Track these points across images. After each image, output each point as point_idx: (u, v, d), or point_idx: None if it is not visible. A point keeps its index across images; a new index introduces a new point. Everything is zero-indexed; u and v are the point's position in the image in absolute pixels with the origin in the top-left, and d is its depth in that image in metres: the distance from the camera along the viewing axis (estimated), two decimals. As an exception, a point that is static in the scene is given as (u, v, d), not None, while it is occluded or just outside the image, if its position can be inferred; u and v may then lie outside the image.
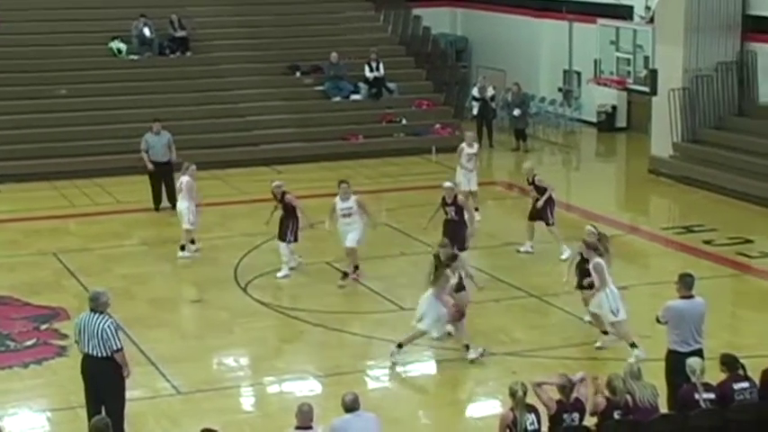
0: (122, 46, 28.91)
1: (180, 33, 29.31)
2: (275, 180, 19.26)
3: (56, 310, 16.68)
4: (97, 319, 11.98)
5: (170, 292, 17.92)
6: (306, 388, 14.29)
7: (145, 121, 25.73)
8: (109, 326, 11.98)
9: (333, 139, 27.82)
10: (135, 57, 28.90)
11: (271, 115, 28.31)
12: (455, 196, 18.07)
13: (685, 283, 12.59)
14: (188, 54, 29.40)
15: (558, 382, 10.93)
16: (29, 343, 15.57)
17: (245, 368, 15.26)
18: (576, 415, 10.88)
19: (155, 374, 14.52)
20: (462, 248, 16.90)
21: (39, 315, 16.61)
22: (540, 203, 19.11)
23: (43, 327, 16.11)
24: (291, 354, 15.46)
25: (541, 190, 19.22)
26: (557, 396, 10.94)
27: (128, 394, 13.85)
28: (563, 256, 18.57)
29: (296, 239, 18.19)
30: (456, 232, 17.42)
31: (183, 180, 19.38)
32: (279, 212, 18.24)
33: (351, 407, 10.66)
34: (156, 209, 22.35)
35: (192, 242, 19.59)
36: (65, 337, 15.50)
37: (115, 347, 11.99)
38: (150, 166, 22.28)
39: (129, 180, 24.11)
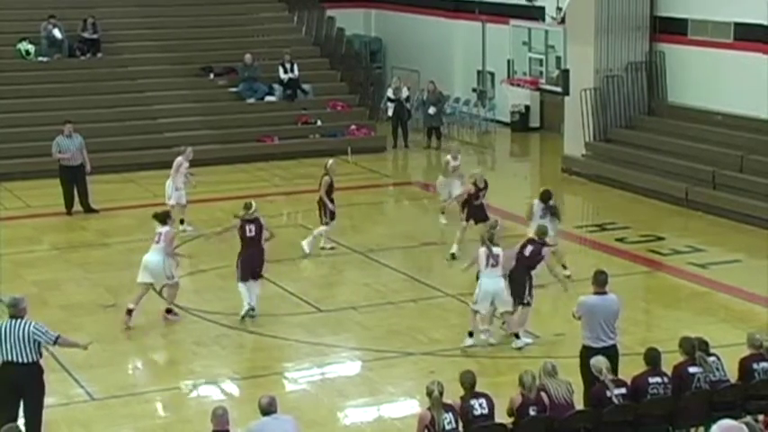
0: (31, 47, 28.43)
1: (90, 35, 28.91)
2: None
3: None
4: (20, 324, 11.83)
5: (83, 298, 17.65)
6: (222, 391, 14.19)
7: (55, 123, 25.29)
8: (35, 325, 11.90)
9: (247, 141, 27.67)
10: (44, 58, 28.44)
11: (184, 117, 28.07)
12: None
13: (598, 280, 12.75)
14: (99, 56, 29.01)
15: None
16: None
17: (161, 372, 15.10)
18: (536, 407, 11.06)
19: (68, 381, 14.29)
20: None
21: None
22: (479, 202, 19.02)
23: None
24: (208, 357, 15.33)
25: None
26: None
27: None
28: (452, 249, 18.89)
29: None
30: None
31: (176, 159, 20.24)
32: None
33: (267, 410, 10.60)
34: (69, 212, 22.02)
35: (182, 222, 19.94)
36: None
37: (54, 337, 11.97)
38: (60, 172, 21.98)
39: (39, 184, 23.71)
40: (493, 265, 15.01)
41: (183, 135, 27.45)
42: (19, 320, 11.86)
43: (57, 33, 28.52)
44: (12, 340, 11.73)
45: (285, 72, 29.19)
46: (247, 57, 28.97)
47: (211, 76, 29.43)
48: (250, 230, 16.27)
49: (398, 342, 15.42)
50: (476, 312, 15.18)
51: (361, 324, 16.40)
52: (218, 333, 16.06)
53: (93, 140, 26.09)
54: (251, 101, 29.04)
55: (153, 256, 16.25)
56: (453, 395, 11.06)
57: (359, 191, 23.71)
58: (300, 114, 29.02)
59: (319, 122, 28.92)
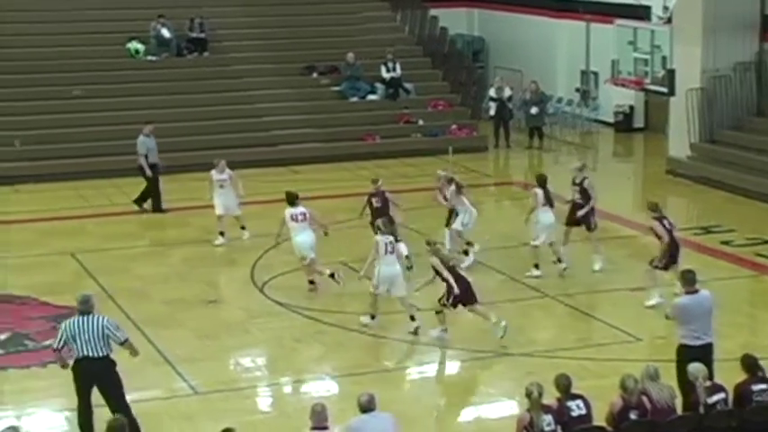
0: (140, 47, 28.99)
1: (198, 34, 29.38)
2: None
3: (73, 310, 16.67)
4: (92, 319, 12.12)
5: (186, 293, 17.94)
6: (322, 388, 14.31)
7: (163, 121, 25.85)
8: (108, 321, 12.21)
9: (349, 140, 27.84)
10: (153, 57, 28.98)
11: (287, 116, 28.35)
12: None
13: (686, 280, 12.63)
14: (205, 55, 29.47)
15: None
16: (47, 342, 15.57)
17: (262, 368, 15.28)
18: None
19: (171, 374, 14.55)
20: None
21: (57, 315, 16.64)
22: (582, 213, 18.49)
23: (61, 326, 16.16)
24: (308, 354, 15.47)
25: (587, 196, 18.60)
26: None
27: (145, 394, 13.98)
28: (595, 267, 18.37)
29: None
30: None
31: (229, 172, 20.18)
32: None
33: (367, 407, 10.66)
34: (162, 210, 22.37)
35: (243, 228, 20.07)
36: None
37: (123, 338, 12.21)
38: (149, 172, 22.36)
39: (144, 181, 24.15)
40: (390, 252, 15.76)
41: (286, 133, 27.81)
42: (90, 316, 12.15)
43: (165, 33, 29.05)
44: (86, 336, 12.02)
45: (387, 71, 29.29)
46: (350, 56, 29.15)
47: (314, 74, 29.68)
48: (377, 201, 18.40)
49: (497, 342, 15.37)
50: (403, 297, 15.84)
51: (460, 323, 16.38)
52: (318, 330, 16.20)
53: (198, 138, 26.63)
54: (353, 99, 29.20)
55: (306, 235, 17.27)
56: (550, 397, 11.00)
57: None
58: (402, 113, 29.09)
59: (421, 122, 28.96)
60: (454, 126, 28.86)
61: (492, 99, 29.59)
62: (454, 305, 15.27)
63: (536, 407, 10.60)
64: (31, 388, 14.24)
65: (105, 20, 29.77)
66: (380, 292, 15.89)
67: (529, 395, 10.66)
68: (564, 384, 11.01)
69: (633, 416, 10.97)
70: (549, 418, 10.60)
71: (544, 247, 18.04)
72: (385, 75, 29.31)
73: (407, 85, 29.64)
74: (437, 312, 15.53)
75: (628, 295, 17.20)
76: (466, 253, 18.69)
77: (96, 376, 12.14)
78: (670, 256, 16.37)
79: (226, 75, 29.05)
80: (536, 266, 18.05)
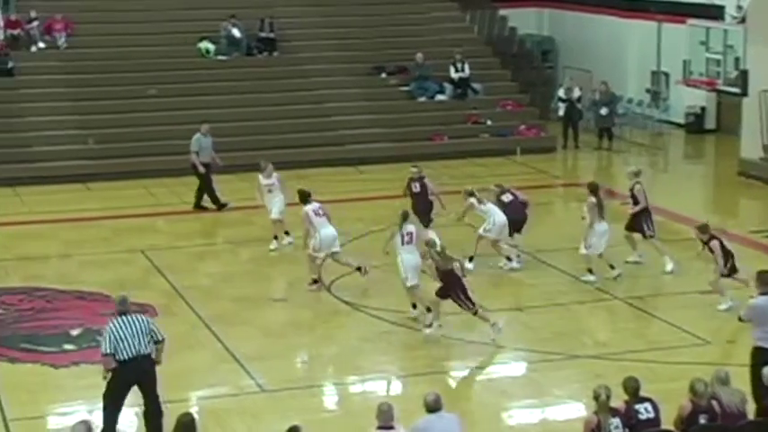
0: (211, 46, 29.26)
1: (267, 34, 29.59)
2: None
3: (144, 307, 16.88)
4: (134, 319, 12.26)
5: (254, 291, 18.07)
6: (388, 387, 14.33)
7: (233, 120, 26.08)
8: (149, 319, 12.43)
9: (418, 140, 27.83)
10: (223, 57, 29.23)
11: (356, 115, 28.44)
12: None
13: (762, 280, 12.48)
14: (275, 54, 29.66)
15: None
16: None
17: (328, 367, 15.33)
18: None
19: (239, 372, 14.66)
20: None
21: (127, 311, 16.87)
22: (630, 212, 18.44)
23: (132, 323, 16.35)
24: (374, 353, 15.50)
25: (635, 200, 18.49)
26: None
27: (213, 391, 14.12)
28: (667, 268, 18.17)
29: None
30: None
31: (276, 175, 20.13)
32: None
33: (433, 407, 10.67)
34: (223, 205, 22.55)
35: (287, 233, 19.94)
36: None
37: (161, 336, 12.36)
38: (202, 169, 22.52)
39: (215, 179, 24.34)
40: (408, 242, 16.17)
41: (354, 133, 27.88)
42: (131, 316, 12.28)
43: (236, 32, 29.29)
44: (132, 335, 12.13)
45: (456, 71, 29.25)
46: (419, 56, 29.15)
47: (383, 74, 29.73)
48: (415, 187, 19.26)
49: (564, 344, 15.28)
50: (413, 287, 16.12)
51: (527, 325, 16.32)
52: (384, 329, 16.22)
53: (267, 137, 26.80)
54: (422, 99, 29.20)
55: (330, 229, 17.57)
56: (618, 400, 10.91)
57: (527, 191, 23.50)
58: (470, 113, 29.03)
59: (489, 122, 28.87)
60: (522, 126, 28.72)
61: (561, 99, 29.40)
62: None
63: (604, 409, 10.54)
64: (102, 383, 14.37)
65: (177, 20, 30.09)
66: (413, 283, 16.10)
67: (597, 398, 10.60)
68: (632, 387, 10.92)
69: (702, 420, 10.85)
70: (616, 420, 10.53)
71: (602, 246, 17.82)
72: (453, 75, 29.27)
73: (476, 86, 29.57)
74: (428, 310, 15.73)
75: (696, 298, 17.00)
76: (509, 259, 18.60)
77: (145, 374, 12.28)
78: (730, 267, 16.24)
79: (295, 74, 29.21)
80: (590, 271, 17.82)
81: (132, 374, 12.25)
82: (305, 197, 17.86)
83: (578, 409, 13.22)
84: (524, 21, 34.21)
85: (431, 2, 32.53)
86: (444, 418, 10.69)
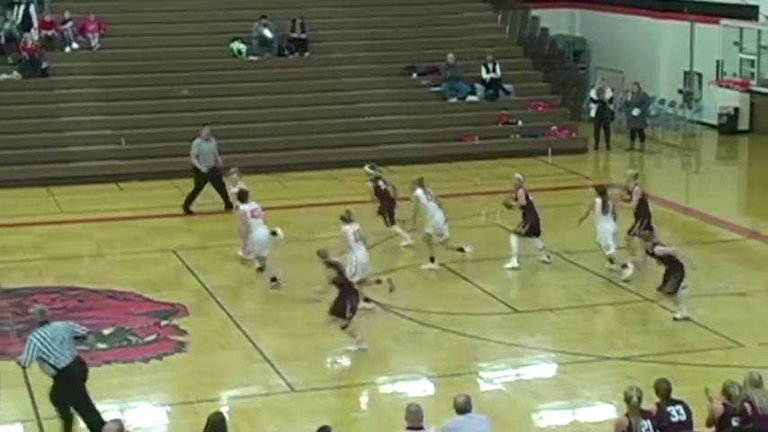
0: (242, 47, 29.36)
1: (299, 34, 29.65)
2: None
3: (176, 307, 17.02)
4: (56, 326, 12.31)
5: (285, 291, 18.10)
6: (418, 388, 14.33)
7: (263, 120, 26.12)
8: (67, 323, 12.52)
9: (448, 141, 27.83)
10: (255, 58, 29.33)
11: (387, 116, 28.45)
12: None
13: None
14: (306, 55, 29.72)
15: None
16: (150, 338, 15.92)
17: (358, 367, 15.34)
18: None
19: (269, 372, 14.70)
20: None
21: (159, 311, 16.98)
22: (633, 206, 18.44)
23: (163, 323, 16.46)
24: (404, 354, 15.50)
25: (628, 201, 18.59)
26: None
27: (243, 391, 14.16)
28: (625, 275, 17.97)
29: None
30: None
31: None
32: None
33: (463, 408, 10.66)
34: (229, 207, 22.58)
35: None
36: (184, 333, 15.86)
37: (84, 332, 12.48)
38: (203, 169, 22.54)
39: (246, 179, 24.40)
40: (357, 240, 16.53)
41: (385, 133, 27.91)
42: (53, 324, 12.32)
43: (267, 33, 29.38)
44: (61, 340, 12.15)
45: (488, 72, 29.22)
46: (450, 56, 29.14)
47: (414, 75, 29.73)
48: (381, 186, 19.52)
49: (595, 346, 15.23)
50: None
51: (558, 326, 16.28)
52: (414, 330, 16.23)
53: (298, 138, 26.87)
54: (453, 100, 29.18)
55: (263, 230, 17.94)
56: (650, 402, 10.86)
57: (558, 192, 23.53)
58: (502, 114, 28.99)
59: (520, 122, 28.82)
60: (554, 127, 28.66)
61: (593, 100, 29.31)
62: (352, 312, 15.17)
63: (635, 411, 10.50)
64: (134, 383, 14.51)
65: (209, 21, 30.20)
66: (356, 279, 16.08)
67: (628, 400, 10.56)
68: (664, 389, 10.87)
69: (735, 422, 10.79)
70: (647, 423, 10.49)
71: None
72: (485, 75, 29.23)
73: (507, 86, 29.51)
74: (343, 328, 15.28)
75: (729, 300, 16.90)
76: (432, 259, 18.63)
77: (83, 377, 12.37)
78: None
79: (326, 75, 29.26)
80: (625, 266, 17.83)
81: (76, 378, 12.30)
82: (243, 197, 18.17)
83: (609, 411, 13.18)
84: (556, 21, 34.11)
85: (463, 2, 32.50)
86: (474, 419, 10.68)
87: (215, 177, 22.59)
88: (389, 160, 26.65)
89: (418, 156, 26.82)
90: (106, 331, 16.09)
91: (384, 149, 27.19)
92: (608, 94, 29.14)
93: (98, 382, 14.37)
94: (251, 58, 29.33)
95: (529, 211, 18.66)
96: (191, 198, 22.76)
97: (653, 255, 16.22)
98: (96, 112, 27.18)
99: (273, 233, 19.06)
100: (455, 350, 15.52)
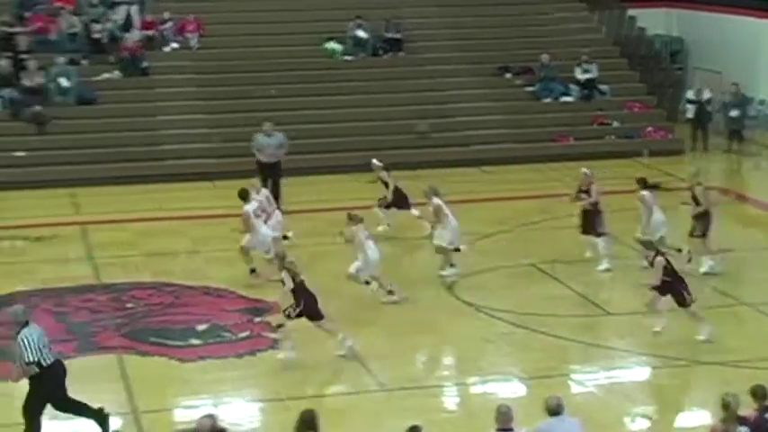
0: (337, 47, 29.52)
1: (393, 34, 29.72)
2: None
3: (269, 304, 17.17)
4: (35, 326, 12.38)
5: (374, 291, 18.12)
6: (509, 390, 14.27)
7: (357, 120, 26.20)
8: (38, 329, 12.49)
9: (542, 141, 27.66)
10: (349, 57, 29.46)
11: (480, 116, 28.37)
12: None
13: None
14: (401, 55, 29.77)
15: None
16: (243, 335, 16.09)
17: (449, 367, 15.35)
18: None
19: (360, 370, 14.76)
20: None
21: (253, 308, 17.16)
22: (692, 214, 18.13)
23: (257, 320, 16.62)
24: (495, 355, 15.45)
25: (696, 202, 18.15)
26: None
27: (333, 389, 14.25)
28: (702, 269, 17.84)
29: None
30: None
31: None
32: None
33: (555, 411, 10.60)
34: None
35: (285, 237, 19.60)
36: (277, 330, 15.95)
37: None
38: (264, 159, 22.67)
39: (339, 179, 24.56)
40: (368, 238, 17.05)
41: (479, 133, 27.83)
42: (30, 326, 12.28)
43: (361, 33, 29.50)
44: (44, 341, 12.23)
45: (583, 72, 28.96)
46: (544, 56, 28.94)
47: (508, 75, 29.59)
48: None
49: (689, 350, 15.00)
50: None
51: (650, 329, 16.05)
52: (505, 331, 16.16)
53: (391, 138, 26.90)
54: (547, 100, 28.99)
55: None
56: (746, 408, 10.67)
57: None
58: (597, 115, 28.72)
59: (616, 123, 28.52)
60: (650, 128, 28.30)
61: (690, 101, 28.88)
62: (299, 316, 14.90)
63: (732, 417, 10.33)
64: (228, 378, 14.69)
65: (305, 21, 30.37)
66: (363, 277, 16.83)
67: (726, 406, 10.39)
68: (761, 394, 10.66)
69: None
70: (744, 429, 10.33)
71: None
72: (580, 76, 28.98)
73: (602, 87, 29.22)
74: (278, 326, 15.08)
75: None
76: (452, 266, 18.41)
77: (65, 375, 12.42)
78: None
79: (420, 75, 29.27)
80: (679, 250, 17.78)
81: (61, 376, 12.36)
82: (245, 196, 18.31)
83: (704, 417, 12.98)
84: (653, 21, 33.64)
85: (558, 2, 32.25)
86: (566, 421, 10.61)
87: (273, 174, 22.60)
88: (482, 161, 26.64)
89: (511, 156, 26.70)
90: (200, 327, 16.31)
91: (477, 149, 27.13)
92: (706, 94, 28.70)
93: (192, 377, 14.64)
94: (345, 57, 29.47)
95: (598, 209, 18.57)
96: (274, 197, 22.83)
97: (651, 265, 15.66)
98: (194, 110, 27.56)
99: (285, 237, 19.28)
100: (545, 351, 15.42)
